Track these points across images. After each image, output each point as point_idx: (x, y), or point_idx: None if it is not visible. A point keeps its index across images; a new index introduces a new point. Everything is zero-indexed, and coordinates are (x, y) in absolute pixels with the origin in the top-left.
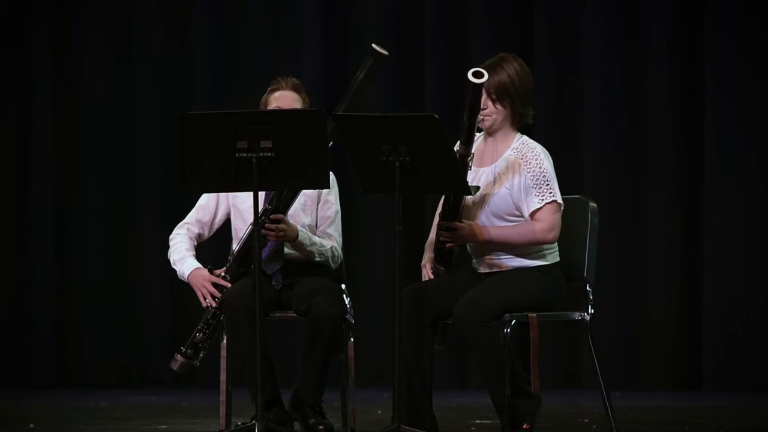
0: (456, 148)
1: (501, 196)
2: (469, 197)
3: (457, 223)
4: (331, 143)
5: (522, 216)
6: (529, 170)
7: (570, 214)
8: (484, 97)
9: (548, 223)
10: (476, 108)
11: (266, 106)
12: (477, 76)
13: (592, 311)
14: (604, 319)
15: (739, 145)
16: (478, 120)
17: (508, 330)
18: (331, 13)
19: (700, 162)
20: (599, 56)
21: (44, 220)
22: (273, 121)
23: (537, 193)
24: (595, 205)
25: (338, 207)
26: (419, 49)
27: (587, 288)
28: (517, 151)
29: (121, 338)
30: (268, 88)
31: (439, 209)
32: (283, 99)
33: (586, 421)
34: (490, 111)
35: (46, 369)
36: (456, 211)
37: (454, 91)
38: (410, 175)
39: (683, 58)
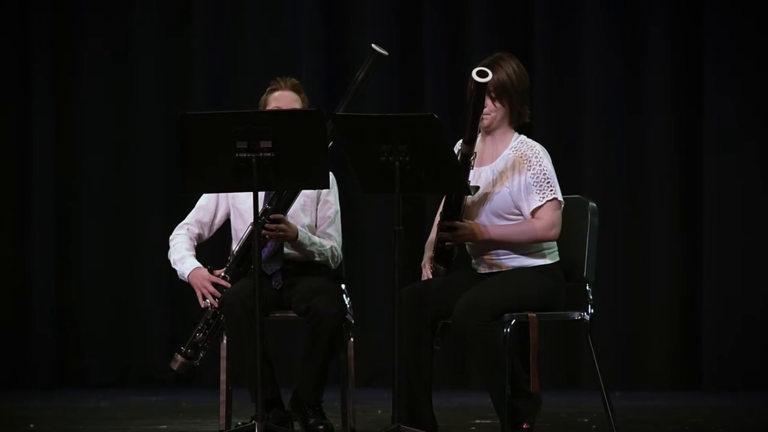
0: (458, 148)
1: (501, 196)
2: (469, 196)
3: (458, 222)
4: (330, 143)
5: (522, 215)
6: (530, 169)
7: (570, 214)
8: None
9: (549, 221)
10: (480, 107)
11: (265, 106)
12: (481, 75)
13: (592, 311)
14: (604, 319)
15: (739, 144)
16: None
17: (508, 330)
18: (331, 13)
19: (700, 161)
20: (598, 56)
21: (44, 220)
22: (273, 122)
23: (538, 191)
24: (594, 204)
25: (338, 207)
26: (419, 49)
27: (587, 288)
28: (516, 150)
29: (121, 338)
30: (268, 89)
31: (440, 209)
32: (283, 99)
33: (585, 420)
34: (489, 109)
35: (46, 369)
36: (457, 210)
37: (454, 91)
38: (410, 175)
39: (683, 58)
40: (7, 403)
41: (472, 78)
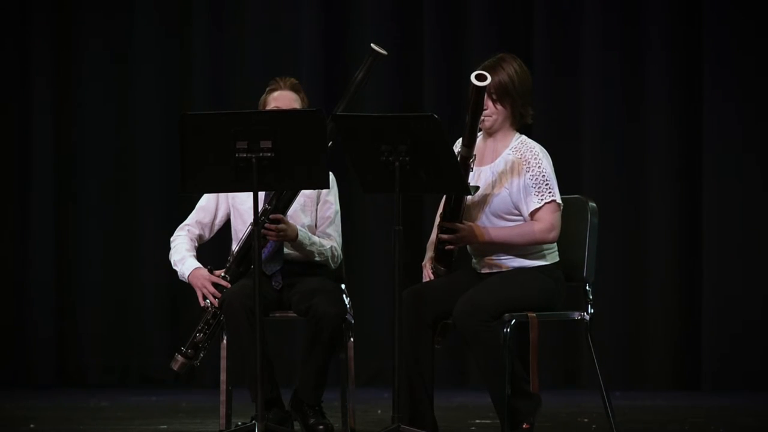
0: (457, 149)
1: (501, 197)
2: (469, 197)
3: (458, 224)
4: (330, 143)
5: (521, 216)
6: (528, 171)
7: (570, 214)
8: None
9: (548, 223)
10: (479, 110)
11: (265, 106)
12: (480, 78)
13: (592, 311)
14: (604, 319)
15: (739, 144)
16: (479, 121)
17: (508, 330)
18: (331, 12)
19: (699, 162)
20: (598, 56)
21: (44, 220)
22: (273, 122)
23: (536, 193)
24: (594, 204)
25: (338, 207)
26: (419, 49)
27: (587, 288)
28: (516, 151)
29: (121, 338)
30: (267, 88)
31: (440, 210)
32: (282, 99)
33: (585, 420)
34: (490, 111)
35: (46, 369)
36: (457, 211)
37: (454, 91)
38: (410, 175)
39: (682, 58)
40: (7, 403)
41: (471, 82)
